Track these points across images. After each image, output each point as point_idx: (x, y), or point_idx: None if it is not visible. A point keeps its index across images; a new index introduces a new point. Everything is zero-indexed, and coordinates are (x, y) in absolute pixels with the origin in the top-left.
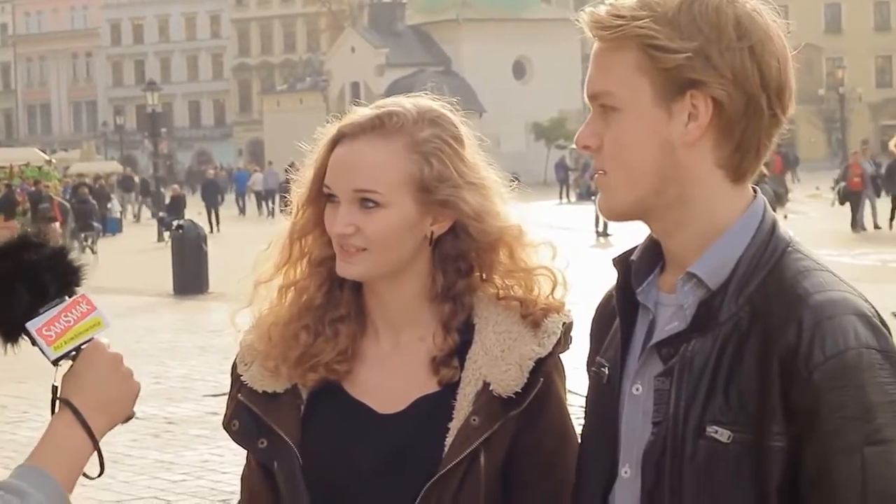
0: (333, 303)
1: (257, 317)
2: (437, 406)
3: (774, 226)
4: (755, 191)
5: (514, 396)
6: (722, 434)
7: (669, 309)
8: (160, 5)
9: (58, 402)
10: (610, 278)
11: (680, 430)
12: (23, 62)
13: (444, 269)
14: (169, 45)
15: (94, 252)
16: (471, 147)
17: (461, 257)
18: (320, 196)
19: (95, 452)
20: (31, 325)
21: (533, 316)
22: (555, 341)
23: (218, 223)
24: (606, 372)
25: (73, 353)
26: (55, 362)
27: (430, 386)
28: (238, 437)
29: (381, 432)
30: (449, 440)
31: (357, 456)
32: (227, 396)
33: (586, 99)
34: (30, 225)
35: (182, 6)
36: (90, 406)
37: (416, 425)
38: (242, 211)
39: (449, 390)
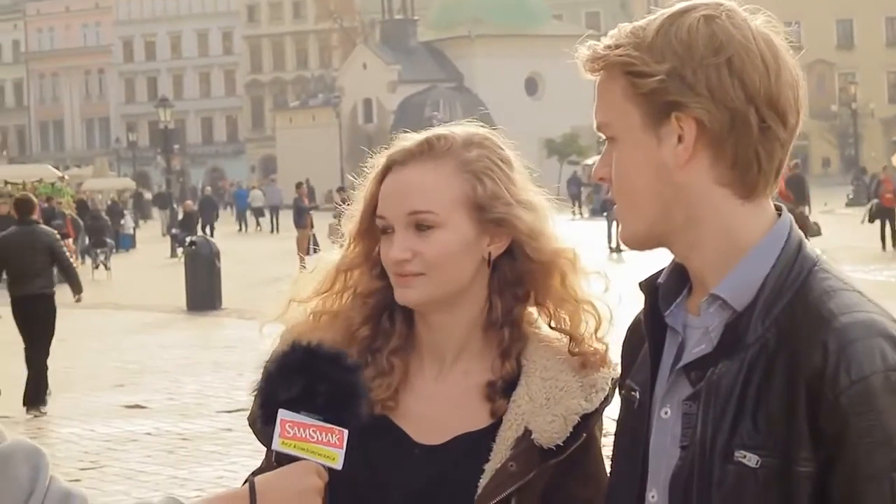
0: (384, 334)
1: (291, 331)
2: (476, 445)
3: (801, 244)
4: (780, 209)
5: (553, 448)
6: (750, 459)
7: (697, 332)
8: (172, 22)
9: (252, 485)
10: (623, 294)
11: (707, 454)
12: (35, 79)
13: (501, 294)
14: (181, 61)
15: (107, 268)
16: (519, 170)
17: (518, 282)
18: (372, 229)
19: None
20: (282, 414)
21: (582, 357)
22: (602, 398)
23: (212, 236)
24: (637, 396)
25: (291, 458)
26: (275, 454)
27: (473, 423)
28: (263, 435)
29: (416, 461)
30: (483, 481)
31: (389, 480)
32: (242, 411)
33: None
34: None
35: (194, 23)
36: (264, 501)
37: (454, 461)
38: (243, 228)
39: (490, 430)
